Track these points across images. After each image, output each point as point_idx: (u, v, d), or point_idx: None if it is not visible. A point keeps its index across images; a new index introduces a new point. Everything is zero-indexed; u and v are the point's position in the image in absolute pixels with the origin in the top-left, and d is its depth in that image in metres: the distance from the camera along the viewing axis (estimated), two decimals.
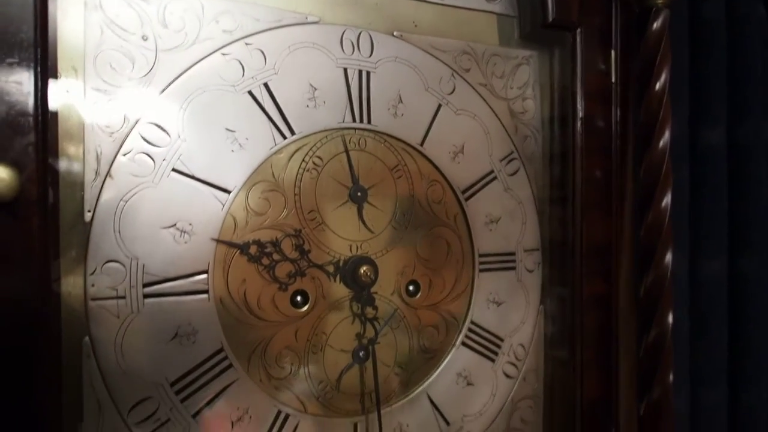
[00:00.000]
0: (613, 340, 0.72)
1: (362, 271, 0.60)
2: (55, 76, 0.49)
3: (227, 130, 0.55)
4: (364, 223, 0.61)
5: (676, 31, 1.15)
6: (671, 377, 0.72)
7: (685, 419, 1.17)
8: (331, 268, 0.60)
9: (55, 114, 0.48)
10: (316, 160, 0.60)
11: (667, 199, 0.71)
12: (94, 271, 0.50)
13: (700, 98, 1.18)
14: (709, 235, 1.19)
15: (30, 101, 0.44)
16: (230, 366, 0.55)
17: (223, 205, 0.55)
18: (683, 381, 1.17)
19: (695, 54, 1.17)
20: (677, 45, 1.14)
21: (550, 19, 0.69)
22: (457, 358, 0.68)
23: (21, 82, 0.44)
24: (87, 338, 0.50)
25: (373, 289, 0.61)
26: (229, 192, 0.55)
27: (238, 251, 0.56)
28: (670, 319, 0.71)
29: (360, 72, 0.62)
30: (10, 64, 0.43)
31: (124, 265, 0.51)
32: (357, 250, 0.61)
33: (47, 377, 0.47)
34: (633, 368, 0.74)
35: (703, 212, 1.19)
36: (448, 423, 0.67)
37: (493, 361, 0.70)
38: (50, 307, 0.47)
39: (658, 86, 0.71)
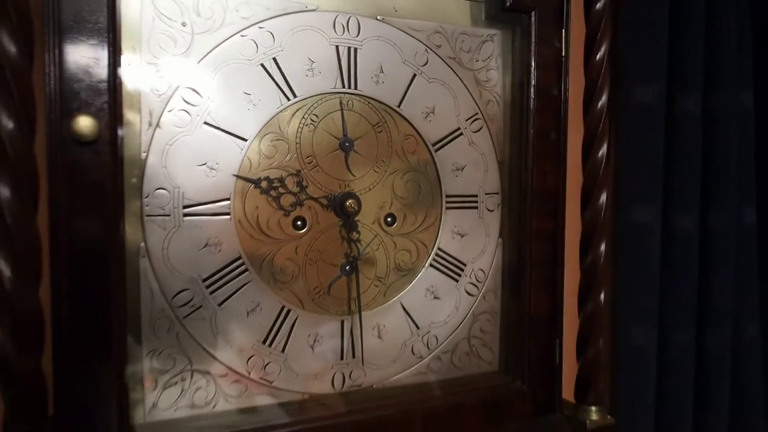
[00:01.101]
0: (557, 266, 0.89)
1: (348, 203, 0.78)
2: (121, 53, 0.67)
3: (245, 93, 0.74)
4: (348, 168, 0.79)
5: (655, 3, 1.28)
6: (602, 296, 0.88)
7: (654, 358, 1.33)
8: (324, 201, 0.78)
9: (120, 80, 0.67)
10: (313, 117, 0.77)
11: (602, 150, 0.86)
12: (148, 195, 0.70)
13: (678, 67, 1.31)
14: (682, 192, 1.33)
15: (105, 71, 0.63)
16: (246, 270, 0.74)
17: (242, 150, 0.74)
18: (654, 324, 1.33)
19: (674, 25, 1.30)
20: (656, 16, 1.27)
21: (508, 3, 0.85)
22: (426, 276, 0.85)
23: (98, 59, 0.63)
24: (143, 243, 0.70)
25: (357, 218, 0.79)
26: (246, 140, 0.74)
27: (253, 185, 0.74)
28: (603, 248, 0.87)
29: (349, 48, 0.79)
30: (92, 45, 0.62)
31: (169, 192, 0.70)
32: (345, 188, 0.79)
33: (116, 271, 0.66)
34: (574, 289, 0.90)
35: (677, 172, 1.33)
36: (417, 327, 0.85)
37: (456, 281, 0.87)
38: (118, 219, 0.66)
39: (598, 57, 0.86)
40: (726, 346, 1.34)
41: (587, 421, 0.87)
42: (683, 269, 1.33)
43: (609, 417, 0.88)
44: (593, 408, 0.88)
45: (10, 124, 0.57)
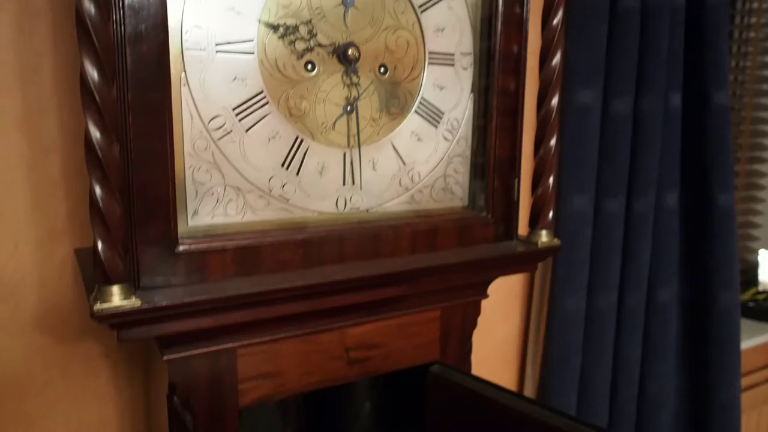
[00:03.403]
0: (518, 114, 1.07)
1: (350, 51, 0.93)
2: None
3: None
4: (346, 22, 0.93)
5: None
6: (552, 142, 1.07)
7: (590, 221, 1.56)
8: (330, 48, 0.93)
9: None
10: None
11: (558, 17, 1.03)
12: (188, 31, 0.82)
13: None
14: (620, 78, 1.53)
15: None
16: (267, 102, 0.89)
17: None
18: (591, 194, 1.55)
19: None
20: None
21: None
22: (412, 121, 1.02)
23: None
24: (183, 73, 0.83)
25: (356, 65, 0.95)
26: None
27: (272, 30, 0.88)
28: (554, 102, 1.05)
29: None
30: None
31: (204, 29, 0.83)
32: (347, 38, 0.94)
33: (168, 91, 0.79)
34: (531, 135, 1.09)
35: (616, 60, 1.52)
36: (404, 163, 1.02)
37: (436, 127, 1.05)
38: (167, 47, 0.79)
39: None
40: (649, 212, 1.58)
41: (538, 242, 1.08)
42: (618, 147, 1.55)
43: (555, 239, 1.10)
44: (543, 232, 1.09)
45: None
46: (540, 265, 1.58)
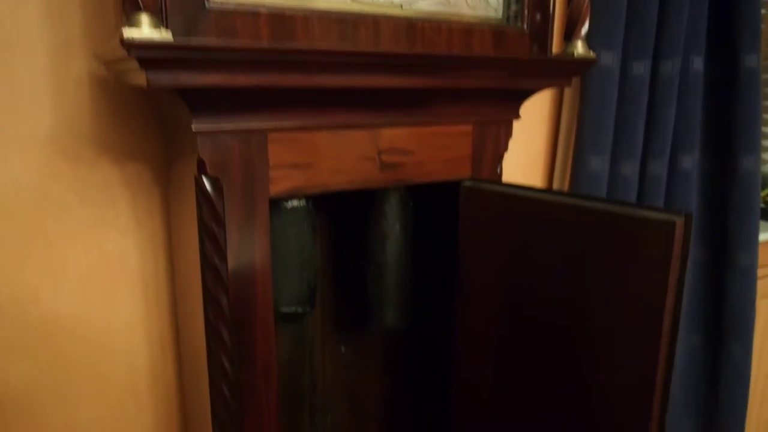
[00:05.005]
0: None
1: None
2: None
3: None
4: None
5: None
6: None
7: (616, 82, 1.52)
8: None
9: None
10: None
11: None
12: None
13: None
14: None
15: None
16: None
17: None
18: (618, 51, 1.50)
19: None
20: None
21: None
22: None
23: None
24: None
25: None
26: None
27: None
28: None
29: None
30: None
31: None
32: None
33: None
34: None
35: None
36: None
37: None
38: None
39: None
40: (675, 76, 1.54)
41: (574, 53, 1.04)
42: (646, 6, 1.50)
43: (591, 52, 1.05)
44: (579, 42, 1.04)
45: None
46: (564, 127, 1.55)
